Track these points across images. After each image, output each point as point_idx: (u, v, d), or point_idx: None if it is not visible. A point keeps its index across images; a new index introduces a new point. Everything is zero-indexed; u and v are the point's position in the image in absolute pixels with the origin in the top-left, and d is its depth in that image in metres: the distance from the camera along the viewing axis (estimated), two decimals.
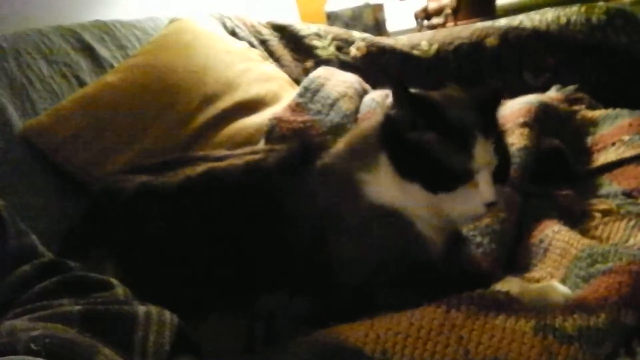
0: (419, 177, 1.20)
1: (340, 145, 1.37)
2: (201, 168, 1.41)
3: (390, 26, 3.50)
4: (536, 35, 2.43)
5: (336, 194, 1.30)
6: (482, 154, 1.17)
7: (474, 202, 1.18)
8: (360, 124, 1.45)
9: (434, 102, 1.23)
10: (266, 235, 1.31)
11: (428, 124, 1.20)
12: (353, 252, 1.26)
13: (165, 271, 1.33)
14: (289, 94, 2.20)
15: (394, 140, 1.24)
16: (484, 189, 1.17)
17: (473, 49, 2.51)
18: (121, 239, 1.37)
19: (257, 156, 1.42)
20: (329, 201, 1.30)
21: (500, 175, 1.21)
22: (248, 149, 1.54)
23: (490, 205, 1.18)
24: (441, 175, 1.19)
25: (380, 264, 1.24)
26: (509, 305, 1.04)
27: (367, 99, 2.15)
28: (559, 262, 1.26)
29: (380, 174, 1.25)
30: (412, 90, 1.24)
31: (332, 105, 2.00)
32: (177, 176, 1.40)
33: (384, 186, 1.25)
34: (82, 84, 1.90)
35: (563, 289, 1.12)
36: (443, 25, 3.30)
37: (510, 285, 1.14)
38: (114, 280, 1.02)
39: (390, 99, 1.33)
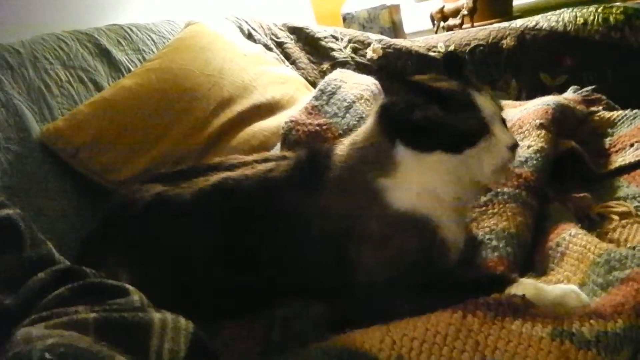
0: (440, 146, 1.26)
1: (344, 153, 1.38)
2: (213, 179, 1.42)
3: (407, 27, 3.50)
4: (553, 36, 2.43)
5: (355, 203, 1.30)
6: (486, 104, 1.29)
7: (497, 151, 1.27)
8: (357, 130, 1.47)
9: (422, 83, 1.32)
10: (278, 245, 1.32)
11: (427, 100, 1.26)
12: (375, 259, 1.26)
13: (179, 280, 1.35)
14: (305, 96, 2.20)
15: (399, 126, 1.28)
16: (501, 135, 1.28)
17: (490, 50, 2.51)
18: (136, 249, 1.39)
19: (268, 165, 1.43)
20: (347, 210, 1.30)
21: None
22: (261, 155, 1.54)
23: (512, 148, 1.28)
24: (460, 137, 1.26)
25: (401, 271, 1.24)
26: (526, 310, 1.03)
27: None
28: (577, 267, 1.25)
29: (400, 172, 1.27)
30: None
31: (348, 108, 1.99)
32: (190, 187, 1.42)
33: (407, 188, 1.27)
34: (99, 88, 1.91)
35: (580, 294, 1.11)
36: (460, 26, 3.30)
37: (525, 287, 1.13)
38: (129, 287, 1.02)
39: None
